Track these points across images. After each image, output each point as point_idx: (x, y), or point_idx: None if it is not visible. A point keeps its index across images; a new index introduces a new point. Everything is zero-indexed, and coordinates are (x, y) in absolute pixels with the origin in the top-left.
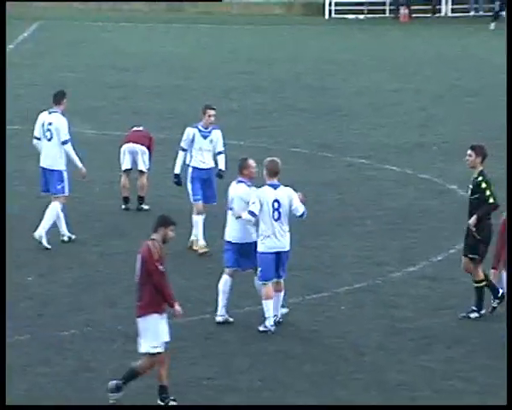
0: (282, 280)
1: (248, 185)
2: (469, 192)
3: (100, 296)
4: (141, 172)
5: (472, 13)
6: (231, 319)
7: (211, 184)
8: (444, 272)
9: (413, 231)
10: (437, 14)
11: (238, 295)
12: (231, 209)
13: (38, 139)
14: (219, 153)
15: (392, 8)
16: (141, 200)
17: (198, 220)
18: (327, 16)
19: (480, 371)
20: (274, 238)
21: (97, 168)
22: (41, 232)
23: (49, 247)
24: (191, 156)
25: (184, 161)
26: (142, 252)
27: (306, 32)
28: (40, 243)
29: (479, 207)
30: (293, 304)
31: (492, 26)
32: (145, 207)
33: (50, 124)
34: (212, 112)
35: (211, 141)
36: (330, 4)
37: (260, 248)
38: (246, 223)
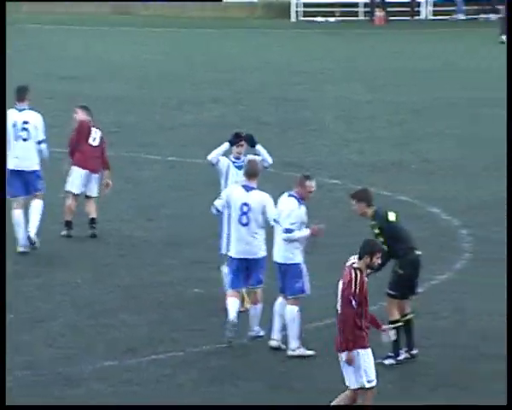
0: (258, 290)
1: (299, 202)
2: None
3: (38, 335)
4: (90, 196)
5: (459, 16)
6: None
7: None
8: (424, 306)
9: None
10: (416, 17)
11: (195, 334)
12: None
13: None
14: None
15: (366, 10)
16: (93, 222)
17: None
18: (293, 19)
19: None
20: (242, 244)
21: None
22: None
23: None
24: None
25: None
26: (345, 278)
27: (270, 37)
28: (33, 243)
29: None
30: (256, 344)
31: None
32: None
33: (27, 123)
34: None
35: None
36: (297, 5)
37: (230, 253)
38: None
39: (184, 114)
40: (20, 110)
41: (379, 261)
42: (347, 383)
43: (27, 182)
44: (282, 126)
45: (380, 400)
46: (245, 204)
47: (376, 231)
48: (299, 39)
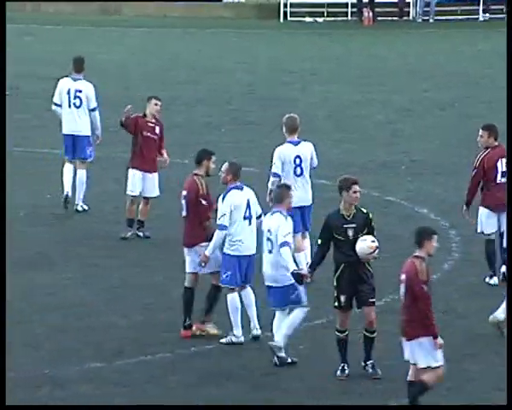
0: (307, 234)
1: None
2: (351, 232)
3: (23, 337)
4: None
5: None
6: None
7: None
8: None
9: (378, 260)
10: (404, 18)
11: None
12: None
13: (59, 106)
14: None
15: (354, 10)
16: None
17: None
18: (282, 19)
19: None
20: (297, 192)
21: (20, 190)
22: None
23: (86, 208)
24: None
25: None
26: (407, 270)
27: (259, 37)
28: (84, 210)
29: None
30: (244, 343)
31: None
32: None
33: (80, 91)
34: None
35: None
36: (286, 6)
37: None
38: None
39: (172, 115)
40: (75, 79)
41: (435, 245)
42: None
43: (76, 146)
44: (271, 126)
45: (368, 400)
46: (297, 157)
47: (371, 217)
48: (287, 40)
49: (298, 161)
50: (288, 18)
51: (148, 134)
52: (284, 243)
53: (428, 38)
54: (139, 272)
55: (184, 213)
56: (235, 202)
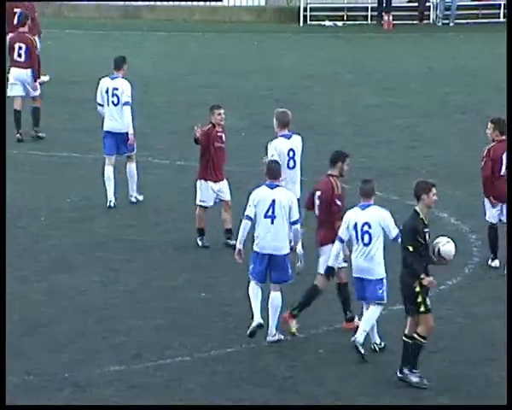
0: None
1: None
2: (428, 236)
3: (43, 340)
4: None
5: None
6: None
7: None
8: (433, 311)
9: (397, 263)
10: (425, 21)
11: (202, 339)
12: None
13: (101, 105)
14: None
15: (374, 13)
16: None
17: None
18: (302, 23)
19: None
20: (287, 185)
21: (41, 194)
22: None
23: (140, 198)
24: None
25: None
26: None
27: (278, 41)
28: (138, 200)
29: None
30: (263, 347)
31: None
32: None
33: (116, 89)
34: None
35: None
36: (306, 10)
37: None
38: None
39: (192, 118)
40: (113, 78)
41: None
42: None
43: (118, 142)
44: (291, 131)
45: (386, 401)
46: (291, 150)
47: None
48: (307, 43)
49: (291, 153)
50: (308, 22)
51: (219, 144)
52: (397, 236)
53: (449, 41)
54: (159, 276)
55: (317, 213)
56: (257, 198)
